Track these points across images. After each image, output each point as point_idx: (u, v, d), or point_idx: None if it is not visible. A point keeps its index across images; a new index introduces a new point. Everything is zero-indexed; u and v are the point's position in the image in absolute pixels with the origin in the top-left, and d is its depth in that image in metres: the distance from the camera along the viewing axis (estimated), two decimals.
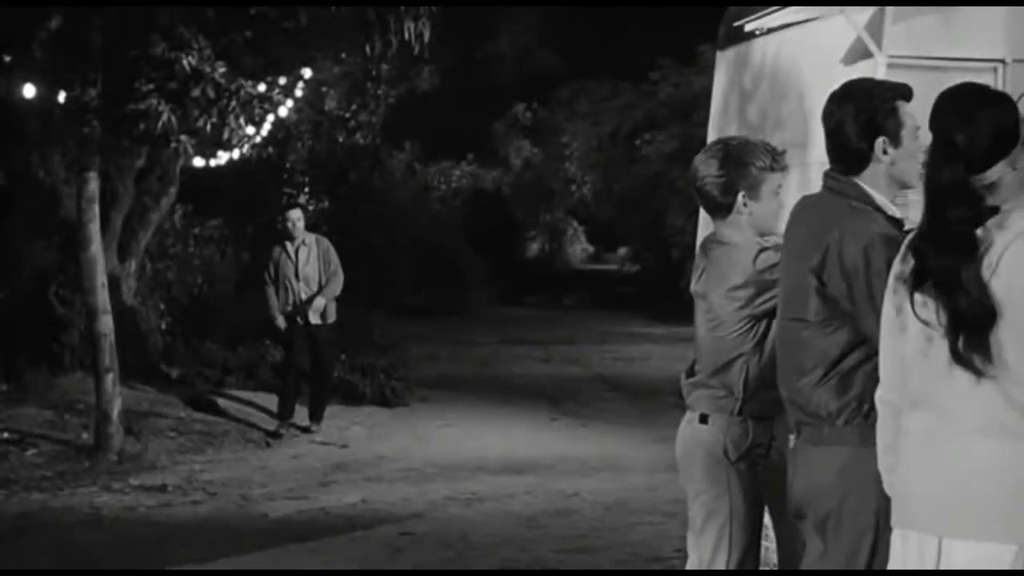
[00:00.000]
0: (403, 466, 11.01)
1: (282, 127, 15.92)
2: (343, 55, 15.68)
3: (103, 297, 11.07)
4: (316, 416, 12.65)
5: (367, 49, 11.34)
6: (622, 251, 32.21)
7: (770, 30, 6.52)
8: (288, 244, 12.53)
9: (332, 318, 12.60)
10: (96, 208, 11.07)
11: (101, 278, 11.02)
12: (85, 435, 11.42)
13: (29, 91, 10.56)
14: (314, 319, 12.38)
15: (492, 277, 27.94)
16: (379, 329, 18.03)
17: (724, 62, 6.89)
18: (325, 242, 12.77)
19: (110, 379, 11.01)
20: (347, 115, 20.83)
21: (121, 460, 10.80)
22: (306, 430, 12.43)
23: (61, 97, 10.74)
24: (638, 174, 25.54)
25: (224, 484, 10.18)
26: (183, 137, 10.73)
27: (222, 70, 10.48)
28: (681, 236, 21.50)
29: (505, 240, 30.31)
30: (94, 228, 11.03)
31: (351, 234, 22.45)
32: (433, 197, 28.44)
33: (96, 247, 11.04)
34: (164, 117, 10.38)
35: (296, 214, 12.70)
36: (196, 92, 10.42)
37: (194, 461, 10.99)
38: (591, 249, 34.42)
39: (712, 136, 6.69)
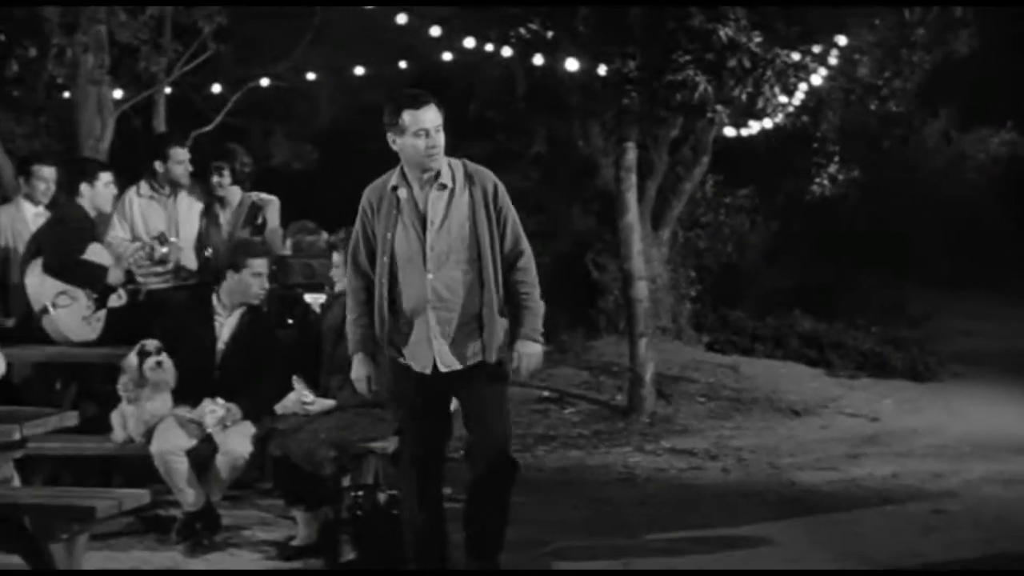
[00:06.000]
0: (936, 442, 10.69)
1: (814, 95, 15.79)
2: (877, 21, 15.38)
3: (639, 264, 11.41)
4: (485, 552, 6.17)
5: (905, 14, 11.06)
6: None
7: None
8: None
9: (503, 352, 6.10)
10: (633, 177, 11.43)
11: (637, 245, 11.35)
12: (619, 396, 11.83)
13: (572, 65, 11.00)
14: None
15: None
16: (912, 301, 17.59)
17: None
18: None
19: (643, 343, 11.33)
20: (880, 82, 20.36)
21: (653, 422, 11.13)
22: None
23: (602, 70, 11.12)
24: None
25: (752, 451, 10.25)
26: (719, 107, 10.90)
27: (758, 39, 10.54)
28: None
29: None
30: (631, 196, 11.39)
31: (883, 204, 22.04)
32: (969, 166, 27.33)
33: (633, 215, 11.38)
34: (701, 87, 10.57)
35: None
36: (732, 62, 10.55)
37: (723, 427, 11.12)
38: None
39: None
